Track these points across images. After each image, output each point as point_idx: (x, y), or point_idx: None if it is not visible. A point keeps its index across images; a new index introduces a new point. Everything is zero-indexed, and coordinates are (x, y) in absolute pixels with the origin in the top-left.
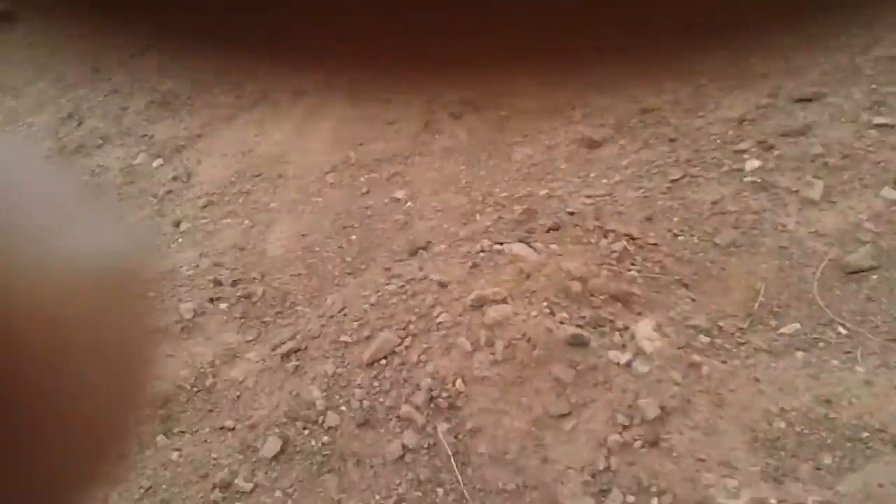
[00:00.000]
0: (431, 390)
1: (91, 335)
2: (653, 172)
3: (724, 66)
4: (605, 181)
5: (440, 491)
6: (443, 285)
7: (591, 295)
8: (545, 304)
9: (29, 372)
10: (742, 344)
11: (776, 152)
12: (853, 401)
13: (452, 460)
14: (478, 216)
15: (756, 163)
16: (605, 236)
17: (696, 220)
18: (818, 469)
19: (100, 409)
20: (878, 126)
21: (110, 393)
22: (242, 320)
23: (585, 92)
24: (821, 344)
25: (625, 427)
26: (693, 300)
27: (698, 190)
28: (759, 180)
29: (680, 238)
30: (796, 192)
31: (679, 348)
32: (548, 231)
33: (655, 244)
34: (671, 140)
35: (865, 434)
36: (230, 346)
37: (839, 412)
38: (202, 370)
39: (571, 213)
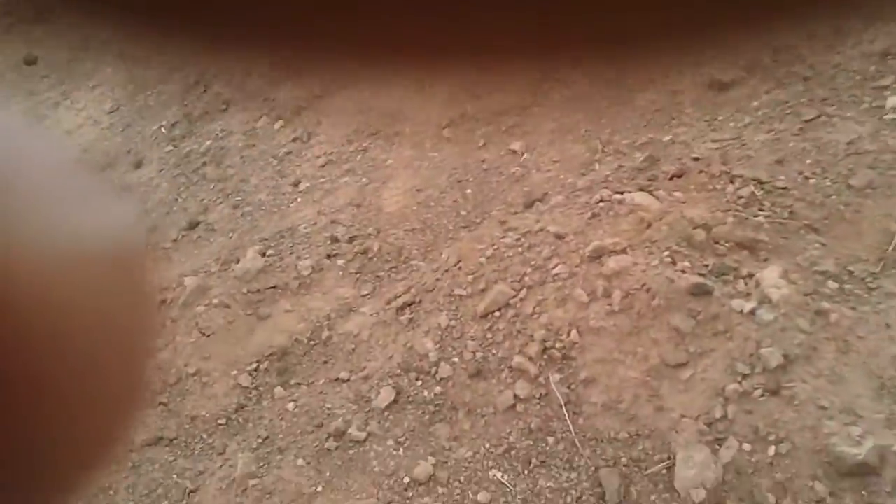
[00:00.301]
0: (545, 341)
1: (91, 313)
2: (785, 113)
3: None
4: (733, 124)
5: (551, 440)
6: (560, 237)
7: (716, 243)
8: (666, 253)
9: (31, 351)
10: (873, 289)
11: None
12: None
13: (564, 409)
14: (597, 165)
15: None
16: (732, 181)
17: (830, 162)
18: None
19: (103, 387)
20: None
21: (113, 371)
22: (358, 275)
23: (714, 33)
24: None
25: (744, 376)
26: (823, 245)
27: (833, 130)
28: None
29: (812, 181)
30: None
31: (806, 295)
32: (671, 178)
33: (785, 188)
34: (806, 79)
35: None
36: (346, 300)
37: None
38: (318, 324)
39: (696, 159)
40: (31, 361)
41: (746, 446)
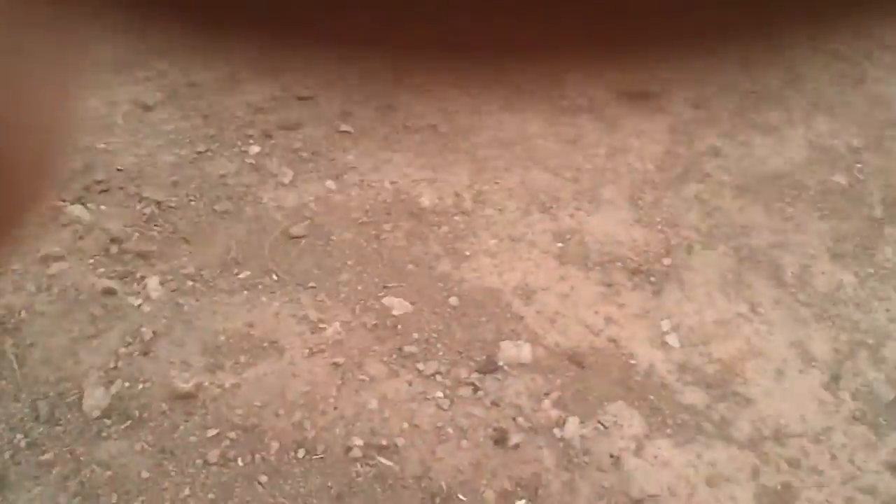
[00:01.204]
0: None
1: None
2: (186, 142)
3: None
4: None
5: (10, 386)
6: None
7: (124, 253)
8: (91, 261)
9: None
10: (213, 287)
11: (272, 142)
12: (273, 325)
13: (14, 362)
14: None
15: (257, 148)
16: (141, 201)
17: (206, 189)
18: (235, 363)
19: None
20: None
21: (32, 130)
22: None
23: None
24: (259, 286)
25: (129, 343)
26: (190, 253)
27: (212, 163)
28: (254, 162)
29: (192, 203)
30: (275, 175)
31: (173, 291)
32: (100, 192)
33: (174, 207)
34: (205, 116)
35: (261, 345)
36: None
37: (254, 331)
38: None
39: (120, 170)
40: None
41: (127, 384)
